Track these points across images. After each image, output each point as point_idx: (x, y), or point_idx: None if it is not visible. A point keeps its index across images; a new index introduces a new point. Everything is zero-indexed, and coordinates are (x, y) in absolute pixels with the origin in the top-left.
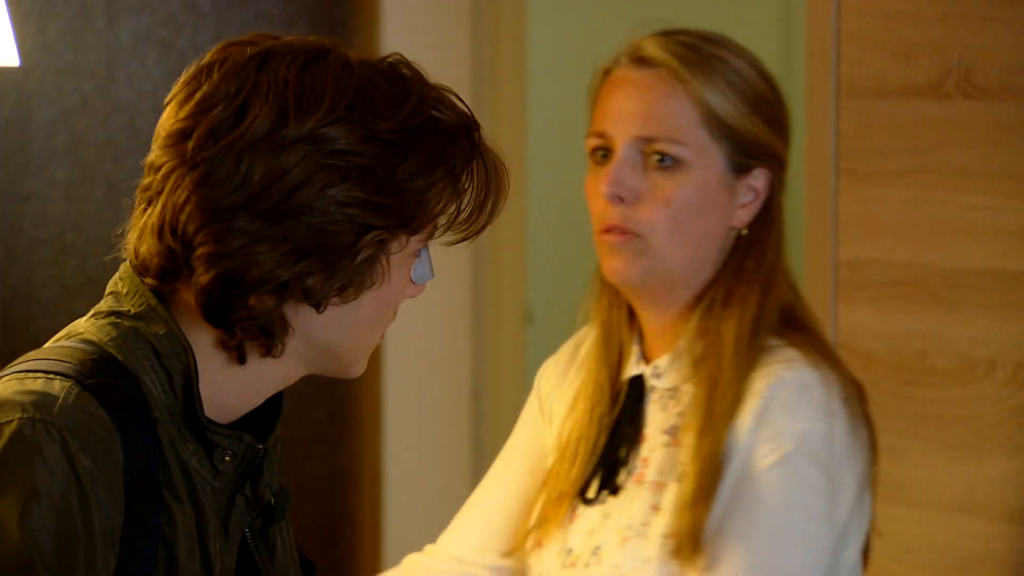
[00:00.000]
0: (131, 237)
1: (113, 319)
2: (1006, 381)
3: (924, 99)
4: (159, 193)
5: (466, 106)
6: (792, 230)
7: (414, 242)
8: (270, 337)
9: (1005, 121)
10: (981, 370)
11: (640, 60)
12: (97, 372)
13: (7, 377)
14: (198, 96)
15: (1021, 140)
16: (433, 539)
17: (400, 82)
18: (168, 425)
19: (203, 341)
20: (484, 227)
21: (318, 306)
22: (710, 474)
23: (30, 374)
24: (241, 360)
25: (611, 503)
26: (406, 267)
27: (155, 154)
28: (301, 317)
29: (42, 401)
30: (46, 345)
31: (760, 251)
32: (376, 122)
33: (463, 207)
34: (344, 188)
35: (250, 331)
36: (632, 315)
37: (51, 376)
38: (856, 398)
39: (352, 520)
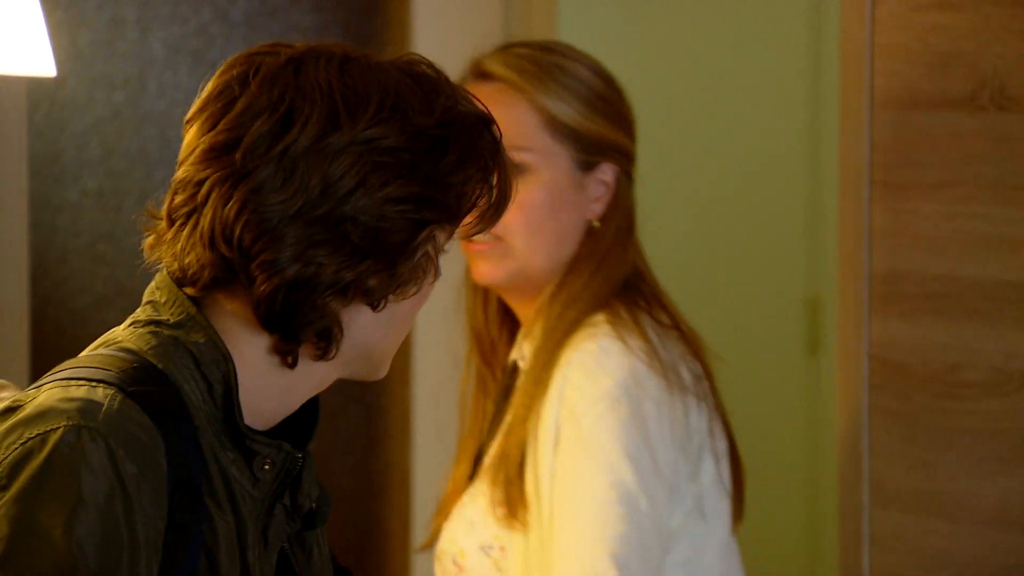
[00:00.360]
0: (168, 250)
1: (152, 328)
2: None
3: (958, 111)
4: (203, 205)
5: (480, 103)
6: (825, 242)
7: (447, 240)
8: (328, 340)
9: None
10: (1015, 383)
11: (482, 75)
12: (139, 380)
13: (49, 385)
14: (238, 107)
15: None
16: None
17: (427, 80)
18: (208, 433)
19: (247, 348)
20: (497, 222)
21: (376, 305)
22: (516, 450)
23: (73, 381)
24: (292, 364)
25: (474, 486)
26: (439, 270)
27: (191, 169)
28: (351, 319)
29: (87, 408)
30: (84, 353)
31: (601, 237)
32: (417, 119)
33: (492, 200)
34: (398, 185)
35: (310, 335)
36: (507, 309)
37: (94, 383)
38: (689, 362)
39: (382, 531)
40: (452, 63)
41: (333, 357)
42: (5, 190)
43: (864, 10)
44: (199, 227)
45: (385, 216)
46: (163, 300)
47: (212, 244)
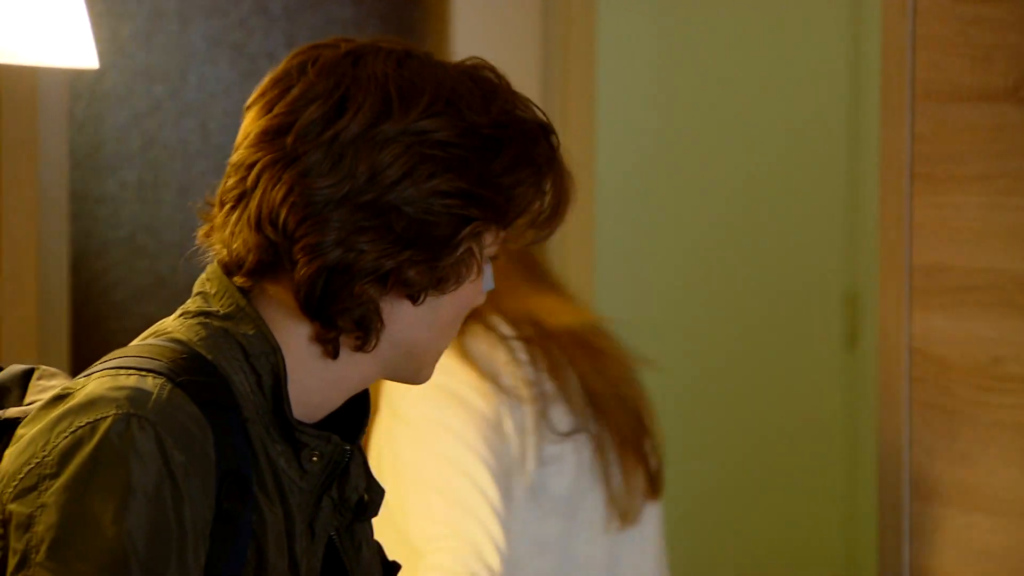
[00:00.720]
0: (218, 237)
1: (202, 319)
2: None
3: (1001, 103)
4: (253, 189)
5: (541, 111)
6: (864, 237)
7: (495, 243)
8: (367, 331)
9: None
10: None
11: None
12: (188, 370)
13: (99, 373)
14: (294, 93)
15: None
16: None
17: (486, 83)
18: (257, 425)
19: (292, 339)
20: (554, 231)
21: (415, 298)
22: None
23: (123, 371)
24: (334, 354)
25: None
26: (483, 271)
27: (245, 152)
28: (393, 313)
29: (136, 397)
30: (133, 343)
31: None
32: (471, 117)
33: (544, 207)
34: (446, 179)
35: (348, 323)
36: None
37: (144, 373)
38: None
39: None
40: (491, 55)
41: (372, 348)
42: (47, 182)
43: (906, 2)
44: (247, 210)
45: (431, 208)
46: (213, 291)
47: (259, 226)
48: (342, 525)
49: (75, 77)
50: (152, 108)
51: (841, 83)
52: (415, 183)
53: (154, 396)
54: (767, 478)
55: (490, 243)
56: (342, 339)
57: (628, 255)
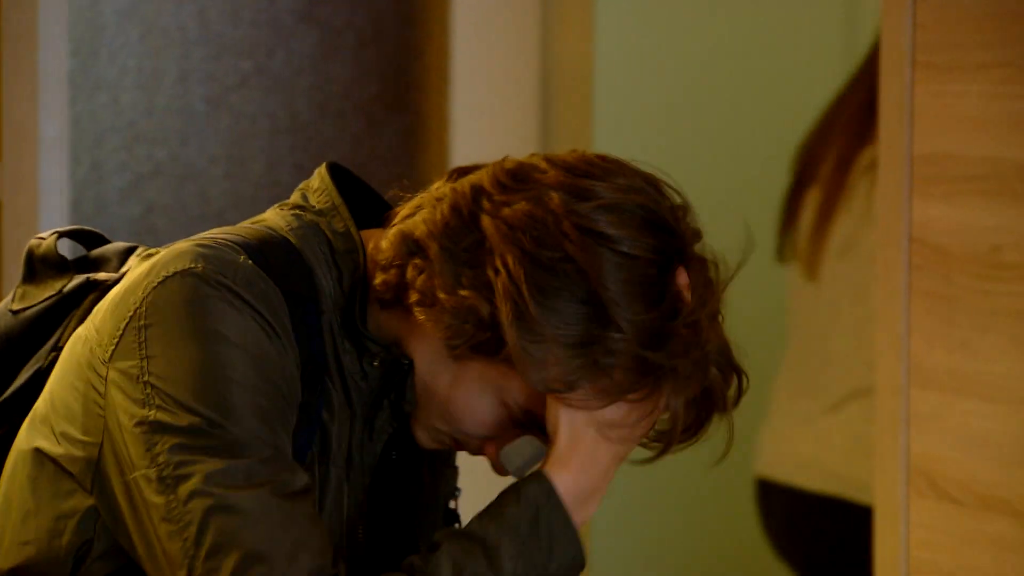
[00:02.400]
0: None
1: (297, 211)
2: None
3: None
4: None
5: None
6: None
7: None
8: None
9: None
10: None
11: None
12: (275, 255)
13: (185, 240)
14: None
15: None
16: None
17: None
18: (331, 320)
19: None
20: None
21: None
22: None
23: (213, 239)
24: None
25: None
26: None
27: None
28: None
29: (222, 258)
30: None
31: None
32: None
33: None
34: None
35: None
36: None
37: (235, 247)
38: None
39: None
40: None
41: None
42: (46, 72)
43: None
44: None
45: None
46: (314, 187)
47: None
48: (401, 441)
49: None
50: None
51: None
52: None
53: (240, 262)
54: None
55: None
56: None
57: None
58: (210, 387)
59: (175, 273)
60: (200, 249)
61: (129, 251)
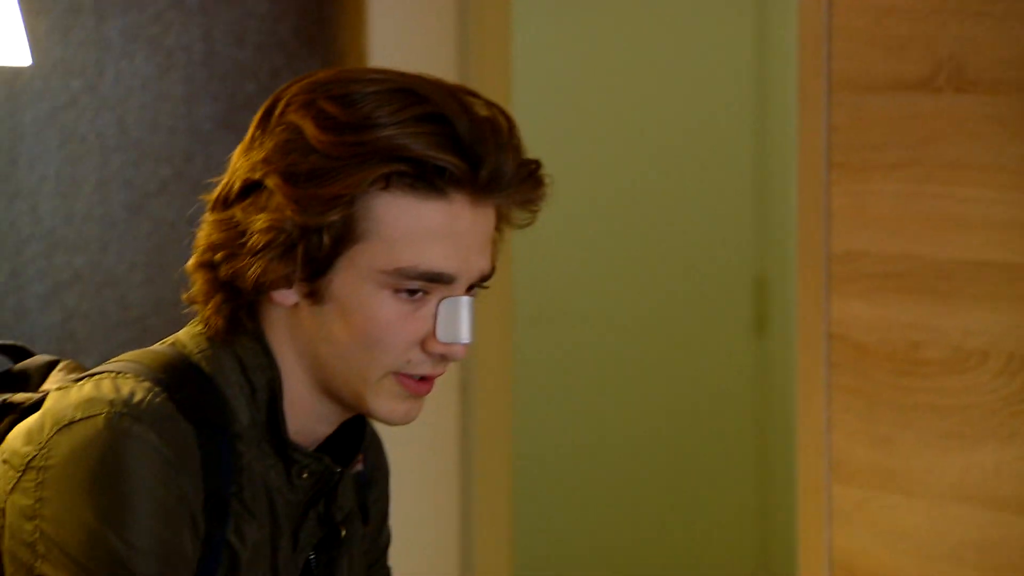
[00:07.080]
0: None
1: (205, 329)
2: (999, 371)
3: (916, 93)
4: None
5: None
6: (772, 223)
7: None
8: None
9: (996, 115)
10: (974, 360)
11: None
12: (187, 386)
13: (99, 376)
14: None
15: (1013, 133)
16: (419, 534)
17: None
18: (248, 440)
19: (291, 358)
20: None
21: None
22: None
23: (121, 375)
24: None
25: None
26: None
27: None
28: None
29: (130, 400)
30: (142, 349)
31: None
32: None
33: None
34: None
35: None
36: None
37: (141, 379)
38: None
39: None
40: (407, 49)
41: None
42: None
43: None
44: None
45: None
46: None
47: None
48: (323, 542)
49: None
50: (70, 103)
51: (747, 73)
52: None
53: (147, 400)
54: (676, 464)
55: None
56: None
57: (539, 243)
58: (99, 544)
59: (81, 419)
60: (109, 392)
61: (51, 366)
